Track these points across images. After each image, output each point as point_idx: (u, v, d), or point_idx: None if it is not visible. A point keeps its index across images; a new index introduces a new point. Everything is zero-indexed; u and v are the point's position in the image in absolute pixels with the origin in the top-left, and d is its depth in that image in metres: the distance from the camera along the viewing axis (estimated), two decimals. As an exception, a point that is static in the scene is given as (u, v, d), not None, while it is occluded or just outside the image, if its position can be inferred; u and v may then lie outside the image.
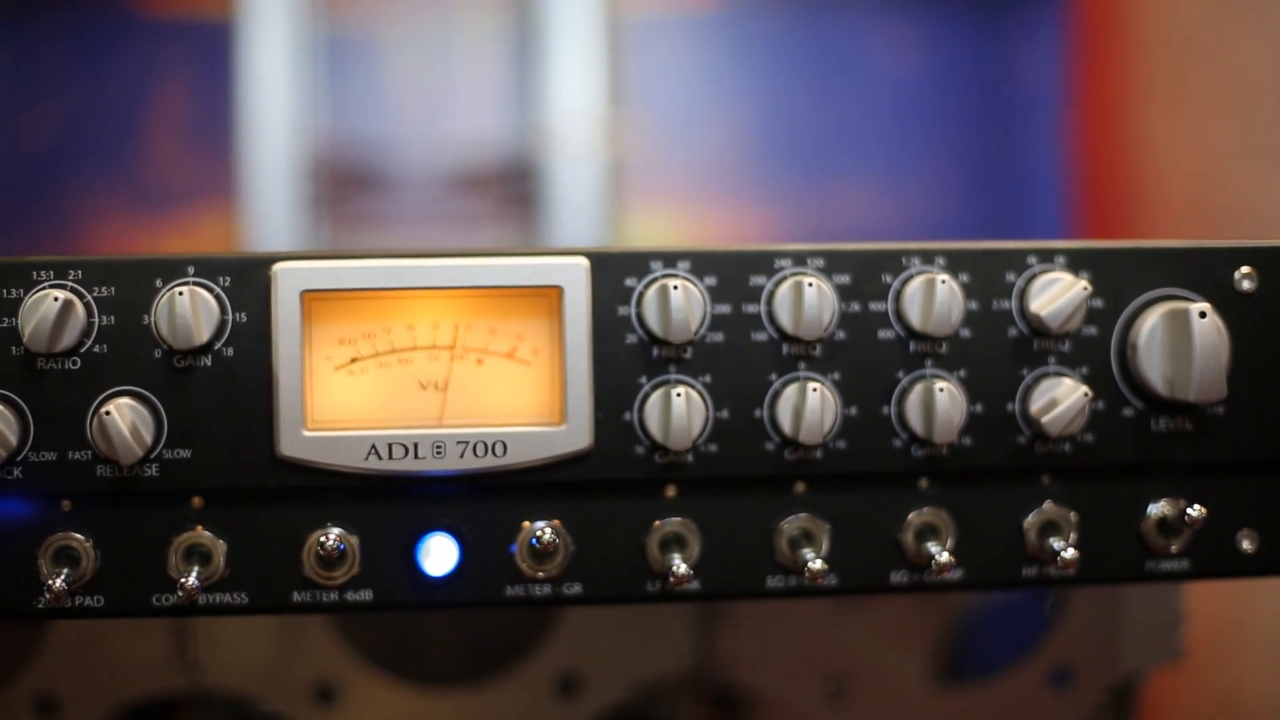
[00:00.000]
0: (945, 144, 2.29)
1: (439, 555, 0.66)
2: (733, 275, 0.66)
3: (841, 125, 2.28)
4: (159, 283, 0.64)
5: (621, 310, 0.66)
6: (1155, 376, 0.67)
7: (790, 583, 0.68)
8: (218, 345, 0.64)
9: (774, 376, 0.66)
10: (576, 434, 0.65)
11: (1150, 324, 0.67)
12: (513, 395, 0.66)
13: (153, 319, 0.64)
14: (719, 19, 2.32)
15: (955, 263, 0.67)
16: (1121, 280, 0.68)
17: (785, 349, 0.66)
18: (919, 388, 0.67)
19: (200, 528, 0.65)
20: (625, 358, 0.66)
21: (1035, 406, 0.67)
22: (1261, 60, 1.52)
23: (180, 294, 0.63)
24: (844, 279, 0.67)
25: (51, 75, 2.21)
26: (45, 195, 2.20)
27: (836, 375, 0.67)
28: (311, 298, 0.64)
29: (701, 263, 0.66)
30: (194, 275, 0.64)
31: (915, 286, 0.66)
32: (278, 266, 0.64)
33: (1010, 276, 0.68)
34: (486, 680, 0.86)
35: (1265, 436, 0.69)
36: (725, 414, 0.66)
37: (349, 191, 2.22)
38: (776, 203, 2.28)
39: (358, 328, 0.66)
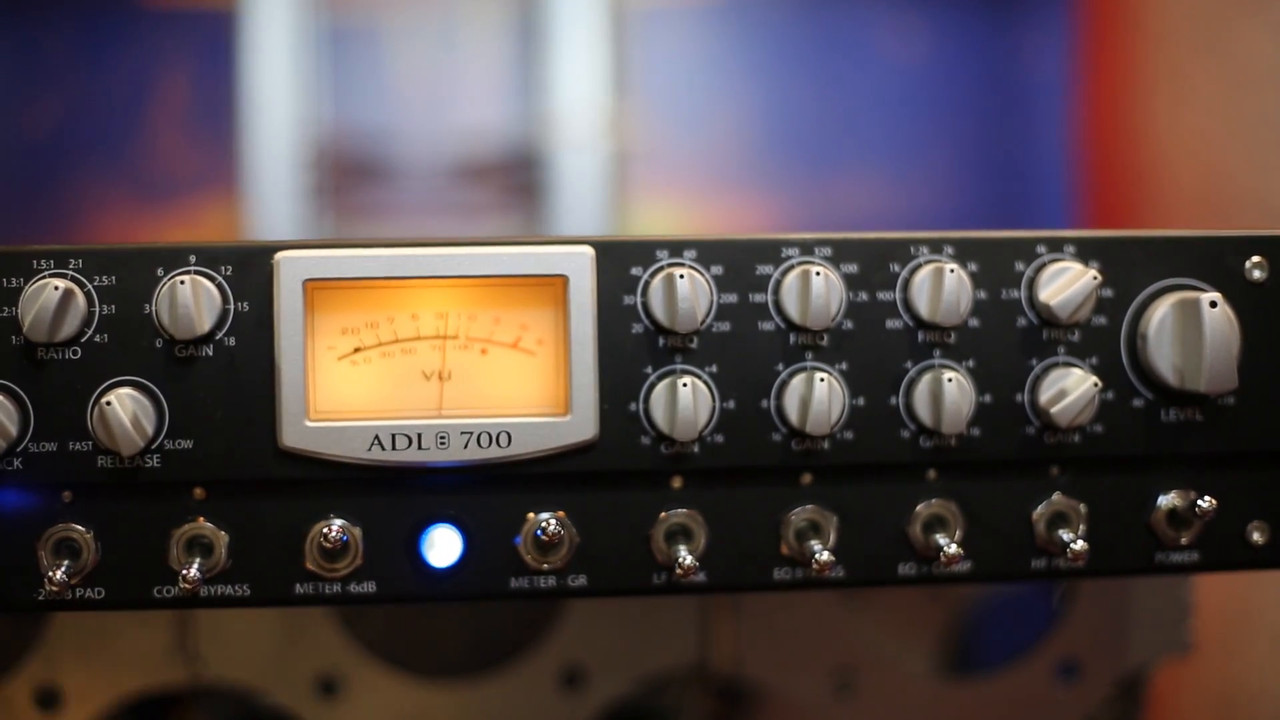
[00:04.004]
0: (951, 134, 2.28)
1: (443, 547, 0.66)
2: (739, 264, 0.66)
3: (847, 115, 2.27)
4: (160, 272, 0.63)
5: (627, 300, 0.65)
6: (1165, 367, 0.67)
7: (797, 575, 0.67)
8: (219, 335, 0.64)
9: (781, 366, 0.66)
10: (581, 424, 0.65)
11: (1160, 314, 0.67)
12: (517, 385, 0.66)
13: (154, 308, 0.63)
14: (723, 8, 2.31)
15: (964, 252, 0.67)
16: (1131, 270, 0.68)
17: (792, 339, 0.66)
18: (927, 378, 0.66)
19: (202, 519, 0.65)
20: (631, 347, 0.65)
21: (1044, 397, 0.66)
22: (1268, 50, 1.51)
23: (181, 283, 0.62)
24: (851, 268, 0.66)
25: (54, 65, 2.21)
26: (47, 185, 2.19)
27: (844, 365, 0.66)
28: (314, 287, 0.64)
29: (708, 252, 0.66)
30: (195, 264, 0.64)
31: (923, 276, 0.66)
32: (280, 255, 0.64)
33: (1019, 266, 0.67)
34: (490, 673, 0.85)
35: (1276, 427, 0.69)
36: (732, 404, 0.66)
37: (352, 181, 2.22)
38: (782, 192, 2.27)
39: (361, 317, 0.65)
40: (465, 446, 0.64)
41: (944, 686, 0.87)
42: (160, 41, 2.23)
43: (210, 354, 0.64)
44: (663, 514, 0.67)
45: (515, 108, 2.25)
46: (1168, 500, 0.69)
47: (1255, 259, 0.68)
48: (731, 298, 0.66)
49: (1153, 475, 0.69)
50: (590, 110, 2.20)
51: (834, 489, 0.67)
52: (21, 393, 0.63)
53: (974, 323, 0.67)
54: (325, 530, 0.64)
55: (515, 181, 2.23)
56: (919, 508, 0.68)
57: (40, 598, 0.64)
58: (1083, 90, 2.11)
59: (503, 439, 0.64)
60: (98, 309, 0.63)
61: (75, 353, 0.63)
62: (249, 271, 0.64)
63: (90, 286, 0.63)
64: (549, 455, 0.65)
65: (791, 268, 0.66)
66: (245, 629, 0.84)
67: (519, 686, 0.85)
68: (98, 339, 0.63)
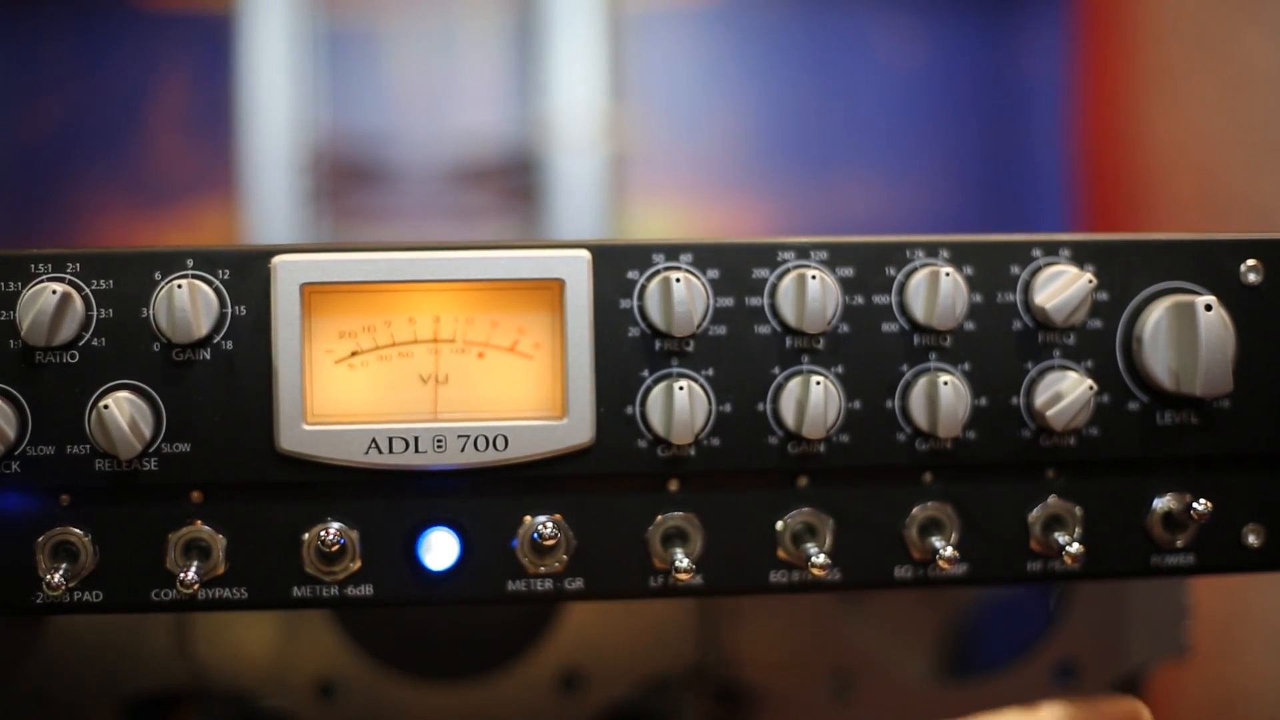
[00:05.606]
0: (948, 137, 2.28)
1: (440, 550, 0.66)
2: (735, 268, 0.66)
3: (844, 118, 2.28)
4: (158, 275, 0.63)
5: (624, 303, 0.65)
6: (1160, 370, 0.67)
7: (793, 578, 0.67)
8: (217, 338, 0.64)
9: (777, 370, 0.66)
10: (578, 428, 0.65)
11: (1155, 317, 0.67)
12: (514, 389, 0.66)
13: (151, 312, 0.63)
14: (720, 11, 2.31)
15: (959, 255, 0.67)
16: (1127, 273, 0.68)
17: (788, 342, 0.66)
18: (923, 381, 0.66)
19: (199, 522, 0.65)
20: (627, 351, 0.65)
21: (1040, 400, 0.67)
22: (1265, 53, 1.51)
23: (179, 287, 0.62)
24: (847, 272, 0.66)
25: (52, 68, 2.21)
26: (45, 189, 2.19)
27: (840, 369, 0.66)
28: (311, 290, 0.64)
29: (704, 255, 0.66)
30: (193, 268, 0.64)
31: (919, 279, 0.66)
32: (277, 259, 0.64)
33: (1015, 269, 0.67)
34: (488, 676, 0.85)
35: (1271, 430, 0.69)
36: (728, 408, 0.66)
37: (349, 185, 2.22)
38: (779, 196, 2.28)
39: (358, 321, 0.65)
40: (462, 450, 0.64)
41: (941, 689, 0.88)
42: (158, 45, 2.23)
43: (208, 357, 0.64)
44: (659, 517, 0.67)
45: (513, 111, 2.25)
46: (1163, 503, 0.69)
47: (1250, 262, 0.68)
48: (728, 301, 0.66)
49: (1148, 478, 0.69)
50: (587, 113, 2.20)
51: (830, 492, 0.67)
52: (19, 396, 0.63)
53: (970, 326, 0.67)
54: (323, 533, 0.64)
55: (513, 185, 2.23)
56: (915, 510, 0.68)
57: (38, 601, 0.64)
58: (1079, 94, 2.11)
59: (500, 442, 0.64)
60: (95, 313, 0.63)
61: (73, 356, 0.63)
62: (246, 275, 0.64)
63: (88, 290, 0.63)
64: (546, 458, 0.65)
65: (788, 271, 0.66)
66: (243, 632, 0.84)
67: (517, 689, 0.85)
68: (95, 343, 0.63)
